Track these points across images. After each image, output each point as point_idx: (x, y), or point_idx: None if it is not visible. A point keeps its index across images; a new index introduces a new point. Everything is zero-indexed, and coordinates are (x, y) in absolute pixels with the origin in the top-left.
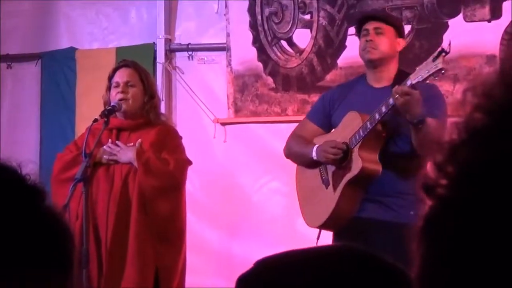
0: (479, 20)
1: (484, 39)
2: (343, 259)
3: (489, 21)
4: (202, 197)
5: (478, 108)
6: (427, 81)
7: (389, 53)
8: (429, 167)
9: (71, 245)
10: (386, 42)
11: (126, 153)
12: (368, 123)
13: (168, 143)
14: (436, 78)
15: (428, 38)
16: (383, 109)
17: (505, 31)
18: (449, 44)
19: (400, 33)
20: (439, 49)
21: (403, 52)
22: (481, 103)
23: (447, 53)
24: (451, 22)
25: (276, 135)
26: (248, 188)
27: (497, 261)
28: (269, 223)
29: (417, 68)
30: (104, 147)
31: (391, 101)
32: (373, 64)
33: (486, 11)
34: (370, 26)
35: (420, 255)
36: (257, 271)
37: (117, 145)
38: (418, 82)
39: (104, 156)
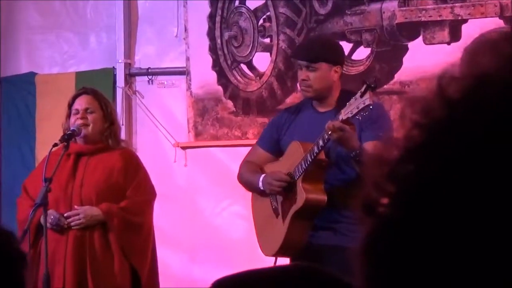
0: (439, 43)
1: (443, 61)
2: (299, 277)
3: (448, 43)
4: (162, 221)
5: (417, 125)
6: (357, 117)
7: (323, 88)
8: (368, 185)
9: (21, 264)
10: (319, 79)
11: (93, 217)
12: (308, 155)
13: (133, 175)
14: (366, 113)
15: (388, 61)
16: (320, 142)
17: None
18: (375, 79)
19: (334, 62)
20: (365, 85)
21: (362, 75)
22: (419, 119)
23: (373, 88)
24: (410, 44)
25: (236, 158)
26: (209, 212)
27: (438, 279)
28: (230, 247)
29: (348, 103)
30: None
31: (326, 135)
32: (312, 99)
33: (445, 33)
34: (302, 63)
35: (363, 275)
36: None
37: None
38: (348, 118)
39: (66, 222)
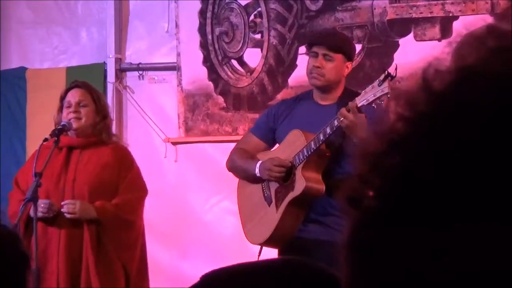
0: (430, 39)
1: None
2: (289, 271)
3: (439, 40)
4: (153, 217)
5: (402, 118)
6: (373, 105)
7: (335, 80)
8: (353, 178)
9: (24, 265)
10: (333, 69)
11: (86, 212)
12: (312, 143)
13: (126, 172)
14: (382, 102)
15: (379, 57)
16: (328, 130)
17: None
18: (395, 68)
19: (349, 57)
20: (385, 73)
21: (353, 71)
22: (404, 112)
23: (393, 77)
24: (401, 41)
25: (227, 154)
26: (199, 208)
27: (423, 270)
28: (220, 243)
29: (363, 91)
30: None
31: (335, 122)
32: (318, 89)
33: (436, 30)
34: (320, 50)
35: (348, 268)
36: (203, 284)
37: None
38: (363, 105)
39: (64, 210)
